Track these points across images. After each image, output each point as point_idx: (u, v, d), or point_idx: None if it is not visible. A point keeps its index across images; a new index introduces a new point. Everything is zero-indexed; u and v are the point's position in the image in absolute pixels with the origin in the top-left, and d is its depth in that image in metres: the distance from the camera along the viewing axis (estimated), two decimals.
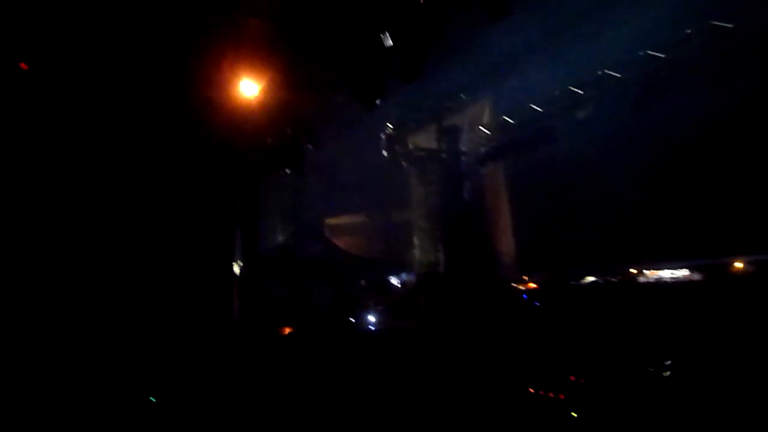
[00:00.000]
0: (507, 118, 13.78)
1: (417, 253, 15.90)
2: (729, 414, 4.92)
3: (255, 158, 15.16)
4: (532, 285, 17.00)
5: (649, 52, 10.24)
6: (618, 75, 11.03)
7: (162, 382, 6.56)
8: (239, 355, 7.80)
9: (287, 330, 11.68)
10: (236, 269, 15.55)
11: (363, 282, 16.10)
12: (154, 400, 6.41)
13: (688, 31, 9.51)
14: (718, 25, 8.87)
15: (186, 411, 6.14)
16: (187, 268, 10.10)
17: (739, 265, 15.73)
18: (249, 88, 11.15)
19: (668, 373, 5.71)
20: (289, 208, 19.49)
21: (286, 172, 14.92)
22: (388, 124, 14.22)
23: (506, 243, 15.02)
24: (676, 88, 10.15)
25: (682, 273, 19.45)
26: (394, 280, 18.05)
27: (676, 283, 18.78)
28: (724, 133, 10.98)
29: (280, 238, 19.96)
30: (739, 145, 11.15)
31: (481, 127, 14.45)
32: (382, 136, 14.25)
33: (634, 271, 19.77)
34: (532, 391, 6.00)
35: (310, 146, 14.52)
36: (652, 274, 20.07)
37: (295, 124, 13.58)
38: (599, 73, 11.33)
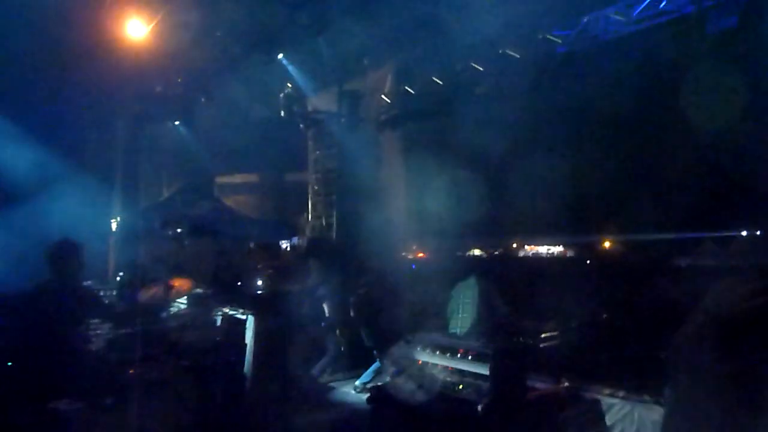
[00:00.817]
0: (408, 88, 13.80)
1: (309, 217, 15.69)
2: (603, 374, 5.34)
3: (140, 106, 14.14)
4: (421, 254, 17.47)
5: (548, 36, 10.57)
6: (516, 55, 11.31)
7: (22, 342, 6.01)
8: (108, 314, 7.29)
9: (166, 289, 11.07)
10: (113, 225, 14.54)
11: (252, 244, 15.68)
12: (10, 364, 5.92)
13: (585, 19, 9.92)
14: (615, 18, 9.33)
15: (45, 371, 5.67)
16: (58, 219, 9.25)
17: (607, 243, 17.22)
18: (137, 28, 10.24)
19: (546, 343, 6.05)
20: (177, 163, 18.44)
21: (174, 124, 14.09)
22: (288, 83, 13.73)
23: (399, 212, 15.20)
24: (569, 75, 10.62)
25: (557, 249, 21.09)
26: (284, 243, 17.77)
27: (551, 258, 20.29)
28: (611, 123, 11.71)
29: (166, 194, 18.93)
30: (624, 134, 11.95)
31: (382, 95, 14.35)
32: (281, 95, 13.74)
33: (515, 246, 21.09)
34: (420, 363, 6.13)
35: (202, 98, 13.77)
36: (531, 249, 21.57)
37: (187, 73, 12.78)
38: (499, 51, 11.54)
